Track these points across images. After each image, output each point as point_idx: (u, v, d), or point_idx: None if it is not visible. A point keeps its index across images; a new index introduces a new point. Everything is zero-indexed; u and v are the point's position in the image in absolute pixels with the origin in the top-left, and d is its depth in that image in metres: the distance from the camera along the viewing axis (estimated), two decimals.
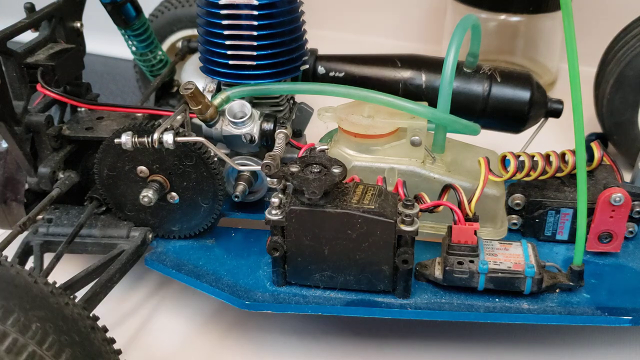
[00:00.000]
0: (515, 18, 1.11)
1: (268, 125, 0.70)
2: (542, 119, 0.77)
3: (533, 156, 0.68)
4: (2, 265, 0.50)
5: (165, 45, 1.00)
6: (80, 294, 0.60)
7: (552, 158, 0.68)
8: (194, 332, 0.70)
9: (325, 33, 1.38)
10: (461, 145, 0.72)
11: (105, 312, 0.60)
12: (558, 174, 0.69)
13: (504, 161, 0.68)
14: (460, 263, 0.61)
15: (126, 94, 1.25)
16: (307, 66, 0.76)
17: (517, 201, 0.69)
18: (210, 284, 0.65)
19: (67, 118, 0.76)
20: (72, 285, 0.62)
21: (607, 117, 0.91)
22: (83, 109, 0.77)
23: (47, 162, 0.70)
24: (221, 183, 0.68)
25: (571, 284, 0.62)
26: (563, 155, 0.69)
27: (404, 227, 0.58)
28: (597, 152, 0.69)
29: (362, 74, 0.79)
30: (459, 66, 0.74)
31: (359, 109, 0.69)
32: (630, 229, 0.69)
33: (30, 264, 0.67)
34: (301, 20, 0.73)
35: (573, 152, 0.68)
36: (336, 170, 0.60)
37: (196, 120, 0.70)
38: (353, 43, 1.38)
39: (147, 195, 0.65)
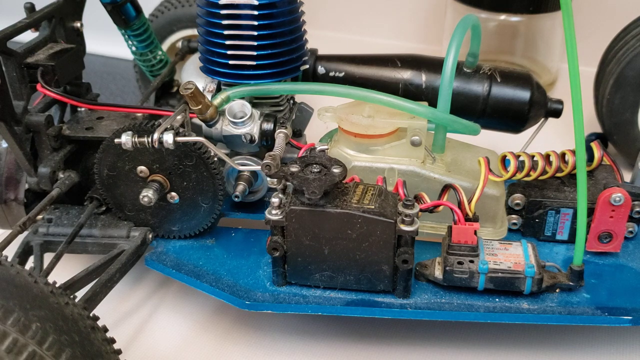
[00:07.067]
0: (515, 18, 1.11)
1: (268, 125, 0.70)
2: (542, 119, 0.77)
3: (533, 156, 0.68)
4: (2, 265, 0.50)
5: (165, 45, 1.00)
6: (80, 294, 0.60)
7: (552, 158, 0.68)
8: (194, 332, 0.70)
9: (325, 33, 1.38)
10: (461, 145, 0.72)
11: (105, 312, 0.60)
12: (558, 174, 0.69)
13: (504, 161, 0.68)
14: (460, 263, 0.61)
15: (126, 94, 1.25)
16: (307, 66, 0.76)
17: (517, 201, 0.69)
18: (210, 284, 0.65)
19: (67, 118, 0.76)
20: (72, 285, 0.62)
21: (607, 117, 0.91)
22: (83, 109, 0.77)
23: (47, 162, 0.70)
24: (221, 183, 0.68)
25: (571, 284, 0.62)
26: (563, 155, 0.69)
27: (404, 227, 0.58)
28: (597, 152, 0.69)
29: (362, 74, 0.79)
30: (459, 66, 0.74)
31: (359, 109, 0.69)
32: (630, 229, 0.69)
33: (30, 264, 0.67)
34: (301, 20, 0.73)
35: (573, 152, 0.68)
36: (336, 170, 0.60)
37: (196, 120, 0.70)
38: (353, 43, 1.38)
39: (147, 195, 0.65)
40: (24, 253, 0.67)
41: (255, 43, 0.69)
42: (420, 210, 0.60)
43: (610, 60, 0.91)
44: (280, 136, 0.68)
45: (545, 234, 0.69)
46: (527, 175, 0.67)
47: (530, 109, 0.74)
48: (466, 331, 0.69)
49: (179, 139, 0.64)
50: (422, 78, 0.76)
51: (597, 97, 0.94)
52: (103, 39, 1.13)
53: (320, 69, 0.80)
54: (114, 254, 0.66)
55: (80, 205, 0.72)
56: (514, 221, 0.70)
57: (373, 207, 0.59)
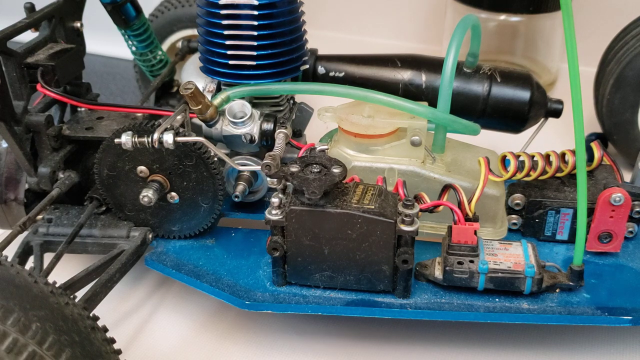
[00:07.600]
0: (515, 18, 1.11)
1: (268, 125, 0.70)
2: (542, 119, 0.77)
3: (533, 156, 0.68)
4: (2, 265, 0.50)
5: (165, 45, 1.00)
6: (80, 294, 0.60)
7: (552, 158, 0.68)
8: (194, 332, 0.70)
9: (325, 33, 1.38)
10: (461, 145, 0.72)
11: (105, 312, 0.60)
12: (558, 174, 0.69)
13: (504, 161, 0.68)
14: (460, 263, 0.61)
15: (126, 94, 1.25)
16: (307, 66, 0.76)
17: (517, 201, 0.69)
18: (210, 284, 0.65)
19: (67, 118, 0.76)
20: (72, 285, 0.62)
21: (607, 117, 0.91)
22: (83, 109, 0.77)
23: (47, 162, 0.70)
24: (221, 183, 0.68)
25: (571, 284, 0.62)
26: (563, 155, 0.69)
27: (404, 227, 0.58)
28: (597, 152, 0.69)
29: (362, 74, 0.79)
30: (459, 66, 0.74)
31: (359, 109, 0.69)
32: (630, 229, 0.69)
33: (30, 264, 0.67)
34: (301, 20, 0.73)
35: (573, 152, 0.68)
36: (336, 170, 0.60)
37: (196, 120, 0.70)
38: (353, 43, 1.38)
39: (147, 195, 0.65)
40: (24, 253, 0.67)
41: (255, 43, 0.69)
42: (420, 210, 0.60)
43: (610, 60, 0.91)
44: (280, 136, 0.68)
45: (545, 234, 0.69)
46: (527, 175, 0.67)
47: (530, 109, 0.74)
48: (466, 331, 0.69)
49: (179, 139, 0.64)
50: (422, 78, 0.77)
51: (597, 97, 0.94)
52: (103, 39, 1.13)
53: (320, 69, 0.80)
54: (114, 254, 0.66)
55: (80, 205, 0.72)
56: (514, 221, 0.70)
57: (373, 207, 0.59)
